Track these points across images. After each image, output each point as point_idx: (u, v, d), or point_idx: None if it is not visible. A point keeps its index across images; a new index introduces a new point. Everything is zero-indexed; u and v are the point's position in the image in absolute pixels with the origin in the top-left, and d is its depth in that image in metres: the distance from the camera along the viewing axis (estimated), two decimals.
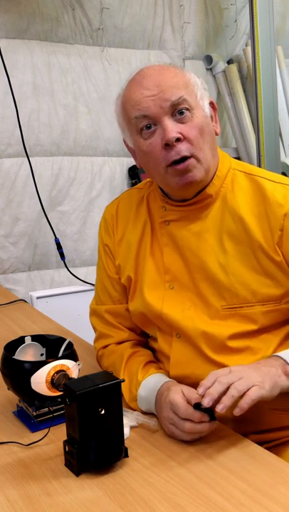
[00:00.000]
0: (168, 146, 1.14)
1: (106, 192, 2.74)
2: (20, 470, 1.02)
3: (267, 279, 1.17)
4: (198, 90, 1.19)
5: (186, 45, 2.93)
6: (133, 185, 2.79)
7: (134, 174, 2.79)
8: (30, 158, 2.46)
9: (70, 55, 2.63)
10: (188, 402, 1.06)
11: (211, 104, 1.23)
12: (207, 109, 1.20)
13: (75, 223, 2.67)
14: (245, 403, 0.99)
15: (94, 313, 1.41)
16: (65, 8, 2.58)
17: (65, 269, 2.60)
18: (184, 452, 1.05)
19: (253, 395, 1.00)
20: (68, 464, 1.02)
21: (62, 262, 2.60)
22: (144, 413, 1.17)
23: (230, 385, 1.00)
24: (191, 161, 1.15)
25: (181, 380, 1.19)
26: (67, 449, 1.02)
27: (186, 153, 1.14)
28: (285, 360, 1.09)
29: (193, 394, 1.06)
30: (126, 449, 1.03)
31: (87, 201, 2.69)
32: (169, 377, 1.22)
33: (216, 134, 1.22)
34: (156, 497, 0.93)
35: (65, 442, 1.02)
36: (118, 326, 1.36)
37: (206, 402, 1.00)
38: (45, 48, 2.56)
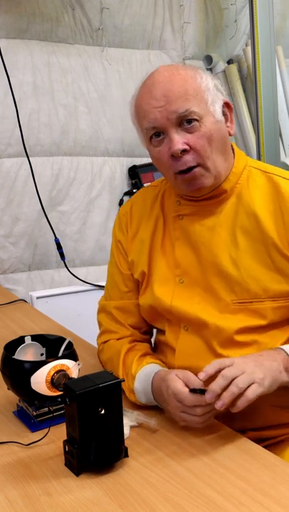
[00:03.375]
0: (175, 156, 1.16)
1: (106, 192, 2.74)
2: (21, 470, 1.02)
3: (279, 276, 1.17)
4: (210, 95, 1.17)
5: (186, 45, 2.93)
6: (133, 185, 2.79)
7: (134, 174, 2.79)
8: (30, 158, 2.46)
9: (70, 55, 2.63)
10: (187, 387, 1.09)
11: (226, 104, 1.21)
12: (219, 112, 1.19)
13: (75, 223, 2.67)
14: (241, 403, 1.01)
15: (102, 309, 1.42)
16: (65, 8, 2.58)
17: (65, 269, 2.60)
18: (184, 452, 1.05)
19: (250, 394, 1.01)
20: (68, 464, 1.02)
21: (62, 262, 2.60)
22: (145, 408, 1.17)
23: (233, 380, 1.01)
24: (198, 169, 1.17)
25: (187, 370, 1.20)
26: (67, 449, 1.02)
27: (192, 163, 1.16)
28: (287, 354, 1.10)
29: (189, 376, 1.09)
30: (126, 448, 1.03)
31: (87, 201, 2.69)
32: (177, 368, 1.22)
33: (230, 135, 1.22)
34: (156, 497, 0.93)
35: (65, 442, 1.02)
36: (123, 324, 1.36)
37: (209, 398, 1.01)
38: (45, 47, 2.56)
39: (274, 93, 2.87)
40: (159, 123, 1.16)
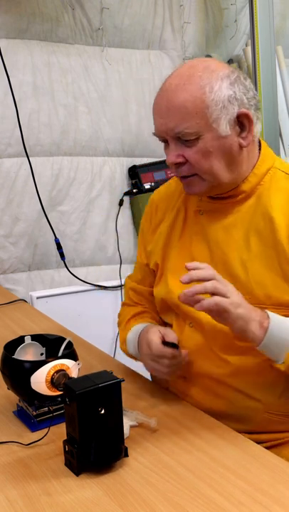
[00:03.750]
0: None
1: (106, 192, 2.74)
2: (20, 470, 1.02)
3: (285, 284, 1.16)
4: (215, 111, 1.13)
5: (186, 45, 2.93)
6: (133, 185, 2.79)
7: (134, 174, 2.79)
8: (30, 158, 2.46)
9: (70, 55, 2.62)
10: (163, 339, 1.20)
11: (245, 115, 1.16)
12: (225, 127, 1.15)
13: (75, 223, 2.67)
14: (207, 303, 1.06)
15: (126, 284, 1.52)
16: (65, 8, 2.57)
17: (65, 269, 2.60)
18: (184, 452, 1.05)
19: (219, 301, 1.06)
20: (68, 464, 1.02)
21: (62, 262, 2.60)
22: (145, 408, 1.18)
23: (213, 295, 1.07)
24: (194, 178, 1.20)
25: (189, 364, 1.23)
26: (67, 449, 1.02)
27: (186, 173, 1.19)
28: (268, 316, 1.12)
29: (167, 332, 1.21)
30: (126, 448, 1.03)
31: (87, 201, 2.69)
32: None
33: (242, 147, 1.18)
34: (156, 496, 0.93)
35: (65, 442, 1.02)
36: (138, 303, 1.45)
37: (182, 299, 1.08)
38: (45, 47, 2.56)
39: (274, 93, 2.87)
40: (161, 134, 1.20)
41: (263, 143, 1.27)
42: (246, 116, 1.16)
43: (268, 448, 1.19)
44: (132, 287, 1.45)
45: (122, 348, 1.37)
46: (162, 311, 1.35)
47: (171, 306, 1.29)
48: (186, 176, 1.20)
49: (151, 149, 2.86)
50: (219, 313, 1.07)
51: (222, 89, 1.14)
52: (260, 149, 1.25)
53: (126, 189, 2.80)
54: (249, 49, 3.02)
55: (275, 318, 1.11)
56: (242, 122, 1.17)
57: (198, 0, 2.94)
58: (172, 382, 1.30)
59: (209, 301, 1.06)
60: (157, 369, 1.21)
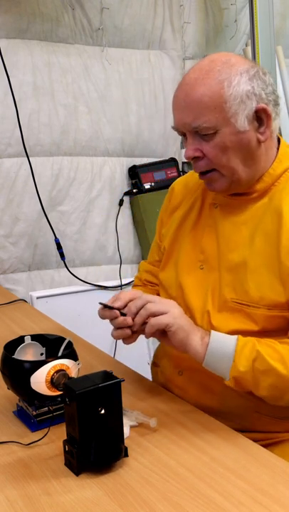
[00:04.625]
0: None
1: (106, 192, 2.74)
2: (20, 470, 1.02)
3: (280, 286, 1.16)
4: (233, 106, 1.14)
5: (186, 45, 2.93)
6: (133, 185, 2.79)
7: (134, 174, 2.79)
8: (30, 158, 2.46)
9: (70, 55, 2.62)
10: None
11: (263, 110, 1.16)
12: (243, 122, 1.15)
13: (75, 223, 2.67)
14: (147, 329, 1.14)
15: (139, 269, 1.58)
16: (65, 8, 2.57)
17: (65, 269, 2.60)
18: (184, 452, 1.05)
19: (155, 321, 1.13)
20: (68, 464, 1.02)
21: (62, 262, 2.60)
22: (145, 408, 1.18)
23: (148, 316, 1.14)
24: (213, 173, 1.21)
25: (185, 358, 1.23)
26: (67, 449, 1.02)
27: (204, 169, 1.20)
28: (209, 332, 1.16)
29: (118, 295, 1.22)
30: (126, 448, 1.03)
31: (87, 201, 2.69)
32: (177, 355, 1.28)
33: (260, 142, 1.18)
34: (156, 496, 0.93)
35: (65, 442, 1.02)
36: (148, 286, 1.49)
37: (116, 307, 1.18)
38: (45, 47, 2.56)
39: None
40: (180, 128, 1.21)
41: (282, 141, 1.27)
42: (264, 111, 1.16)
43: (265, 446, 1.20)
44: (148, 269, 1.51)
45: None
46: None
47: (174, 293, 1.31)
48: (204, 172, 1.21)
49: (151, 149, 2.86)
50: (161, 331, 1.15)
51: (240, 84, 1.14)
52: (278, 147, 1.26)
53: (126, 189, 2.80)
54: (249, 49, 3.01)
55: (216, 335, 1.15)
56: (260, 117, 1.17)
57: (198, 0, 2.94)
58: (169, 377, 1.33)
59: (147, 326, 1.14)
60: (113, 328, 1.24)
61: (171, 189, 1.46)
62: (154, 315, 1.14)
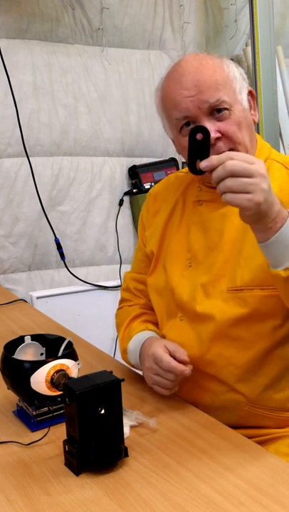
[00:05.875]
0: None
1: (106, 192, 2.74)
2: (20, 470, 1.02)
3: None
4: (237, 84, 1.20)
5: (186, 45, 2.93)
6: (133, 185, 2.79)
7: (134, 174, 2.79)
8: (30, 158, 2.46)
9: (70, 55, 2.62)
10: (171, 355, 1.17)
11: (250, 93, 1.25)
12: (245, 100, 1.22)
13: (75, 223, 2.67)
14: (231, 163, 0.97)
15: (123, 280, 1.53)
16: (65, 8, 2.57)
17: (65, 269, 2.60)
18: (184, 452, 1.05)
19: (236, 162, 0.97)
20: (68, 464, 1.02)
21: (62, 262, 2.60)
22: (145, 408, 1.18)
23: (232, 178, 0.96)
24: None
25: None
26: (67, 449, 1.02)
27: (225, 149, 1.18)
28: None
29: (175, 348, 1.18)
30: (126, 448, 1.03)
31: (87, 201, 2.69)
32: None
33: (254, 123, 1.24)
34: (156, 496, 0.93)
35: (65, 442, 1.02)
36: (137, 295, 1.45)
37: (204, 164, 1.00)
38: (45, 47, 2.56)
39: (274, 93, 2.87)
40: (191, 112, 1.18)
41: (257, 135, 1.31)
42: (252, 93, 1.25)
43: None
44: (134, 277, 1.47)
45: (124, 357, 1.35)
46: (153, 302, 1.37)
47: (164, 294, 1.31)
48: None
49: (151, 149, 2.86)
50: (241, 176, 0.97)
51: (234, 67, 1.23)
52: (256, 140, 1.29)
53: (126, 189, 2.80)
54: (249, 49, 3.01)
55: None
56: (249, 100, 1.24)
57: (198, 0, 2.94)
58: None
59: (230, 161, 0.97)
60: (160, 383, 1.19)
61: (149, 195, 1.45)
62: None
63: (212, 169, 0.99)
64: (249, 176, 0.96)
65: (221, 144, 1.18)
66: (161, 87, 1.25)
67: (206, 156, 1.03)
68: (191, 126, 1.18)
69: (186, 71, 1.19)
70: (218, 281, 1.22)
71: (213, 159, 1.00)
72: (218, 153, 1.12)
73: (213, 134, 1.15)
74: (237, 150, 1.18)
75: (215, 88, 1.16)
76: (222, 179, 0.97)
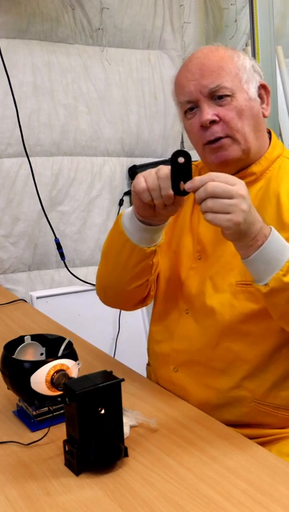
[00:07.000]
0: (204, 127, 1.20)
1: (106, 192, 2.74)
2: (20, 470, 1.02)
3: None
4: (245, 74, 1.22)
5: (186, 45, 2.93)
6: None
7: (134, 174, 2.79)
8: (30, 158, 2.46)
9: (70, 55, 2.62)
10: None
11: (263, 87, 1.26)
12: (254, 92, 1.23)
13: (75, 223, 2.67)
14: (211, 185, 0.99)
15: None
16: (65, 8, 2.57)
17: (65, 269, 2.60)
18: (184, 452, 1.05)
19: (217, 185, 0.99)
20: (68, 464, 1.02)
21: (62, 262, 2.60)
22: (145, 408, 1.18)
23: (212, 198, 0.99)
24: (226, 140, 1.21)
25: (181, 353, 1.24)
26: (67, 449, 1.02)
27: (220, 134, 1.20)
28: (271, 229, 1.05)
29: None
30: (126, 448, 1.03)
31: (87, 201, 2.69)
32: (172, 353, 1.27)
33: (264, 117, 1.25)
34: (156, 496, 0.93)
35: (65, 442, 1.02)
36: None
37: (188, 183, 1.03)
38: (45, 47, 2.56)
39: (274, 93, 2.87)
40: (193, 96, 1.21)
41: (273, 132, 1.32)
42: (265, 87, 1.26)
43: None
44: None
45: (122, 238, 1.23)
46: (160, 292, 1.36)
47: (173, 287, 1.30)
48: (218, 137, 1.20)
49: (151, 149, 2.86)
50: (222, 197, 0.99)
51: (246, 59, 1.25)
52: (270, 137, 1.30)
53: (126, 189, 2.80)
54: (249, 49, 3.01)
55: (275, 233, 1.06)
56: (261, 94, 1.25)
57: (198, 0, 2.94)
58: (163, 375, 1.32)
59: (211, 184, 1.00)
60: (149, 179, 1.13)
61: None
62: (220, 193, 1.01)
63: (195, 190, 1.02)
64: (229, 197, 0.99)
65: (217, 129, 1.20)
66: (175, 76, 1.28)
67: (189, 177, 1.06)
68: (195, 110, 1.21)
69: (194, 56, 1.24)
70: (226, 274, 1.22)
71: (195, 181, 1.03)
72: (214, 137, 1.20)
73: (210, 116, 1.19)
74: (234, 137, 1.20)
75: (217, 74, 1.19)
76: (204, 200, 1.00)
